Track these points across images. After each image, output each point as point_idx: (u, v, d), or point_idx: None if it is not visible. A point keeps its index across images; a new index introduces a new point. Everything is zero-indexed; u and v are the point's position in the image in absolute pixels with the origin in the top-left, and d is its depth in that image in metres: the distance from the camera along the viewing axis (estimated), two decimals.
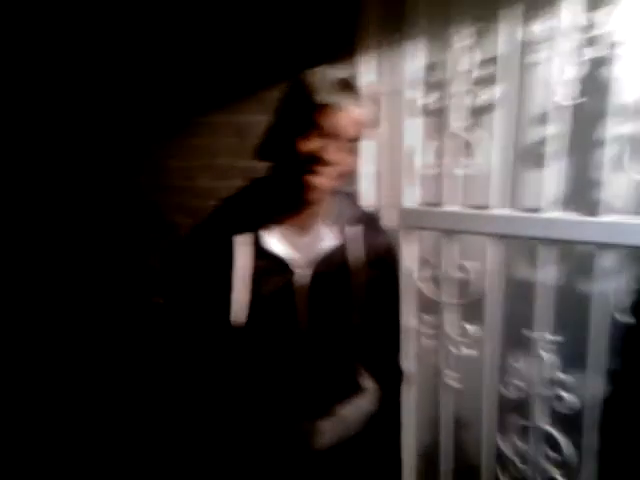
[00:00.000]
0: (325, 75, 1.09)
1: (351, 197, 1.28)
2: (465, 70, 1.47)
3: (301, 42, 1.66)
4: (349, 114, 1.07)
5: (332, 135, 1.06)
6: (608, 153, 1.29)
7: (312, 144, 1.06)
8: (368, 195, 1.65)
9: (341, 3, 1.58)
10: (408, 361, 1.71)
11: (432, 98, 1.55)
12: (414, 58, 1.55)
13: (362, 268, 1.22)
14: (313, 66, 1.14)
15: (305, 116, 1.06)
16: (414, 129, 1.59)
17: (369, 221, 1.30)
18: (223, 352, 1.23)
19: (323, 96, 1.05)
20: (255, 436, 1.24)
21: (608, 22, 1.27)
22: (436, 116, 1.56)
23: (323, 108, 1.05)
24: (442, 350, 1.64)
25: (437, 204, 1.57)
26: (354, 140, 1.10)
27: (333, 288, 1.20)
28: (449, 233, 1.57)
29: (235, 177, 1.80)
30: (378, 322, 1.32)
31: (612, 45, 1.27)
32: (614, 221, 1.32)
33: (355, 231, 1.23)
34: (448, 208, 1.55)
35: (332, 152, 1.07)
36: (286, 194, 1.15)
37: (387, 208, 1.64)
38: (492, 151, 1.45)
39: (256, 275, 1.15)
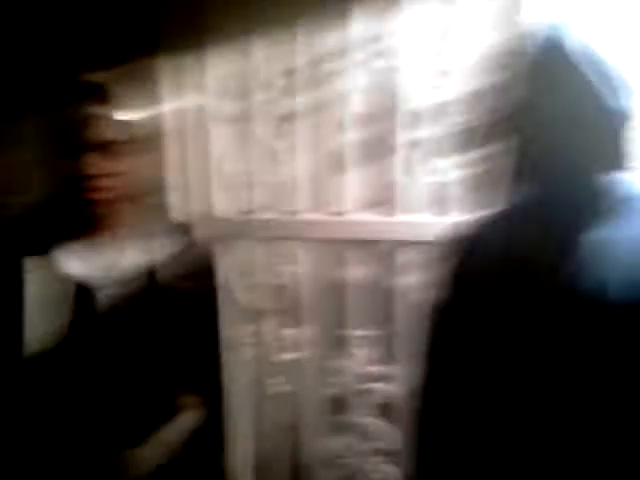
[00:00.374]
0: (74, 86, 1.05)
1: (159, 209, 1.20)
2: (268, 79, 1.46)
3: (100, 58, 1.53)
4: (103, 119, 1.02)
5: (94, 146, 1.01)
6: (401, 157, 1.37)
7: (75, 162, 1.00)
8: (179, 206, 1.58)
9: (140, 12, 1.51)
10: (230, 372, 1.66)
11: (238, 106, 1.52)
12: (217, 67, 1.52)
13: (175, 281, 1.14)
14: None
15: (62, 132, 1.01)
16: (222, 137, 1.55)
17: (180, 233, 1.23)
18: (15, 388, 1.07)
19: (74, 108, 1.01)
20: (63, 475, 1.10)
21: (393, 34, 1.35)
22: (243, 124, 1.54)
23: (77, 119, 1.00)
24: (265, 357, 1.62)
25: (249, 212, 1.55)
26: (117, 145, 1.04)
27: (143, 305, 1.10)
28: (262, 240, 1.55)
29: None
30: (196, 337, 1.25)
31: (397, 55, 1.34)
32: (410, 220, 1.40)
33: (165, 244, 1.15)
34: (260, 216, 1.53)
35: (97, 164, 1.01)
36: (77, 212, 1.06)
37: (200, 218, 1.58)
38: (298, 158, 1.45)
39: (53, 301, 1.03)
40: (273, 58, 1.47)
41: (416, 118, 1.41)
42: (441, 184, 1.37)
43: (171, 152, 1.56)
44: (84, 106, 1.01)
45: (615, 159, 0.73)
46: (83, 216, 1.06)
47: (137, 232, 1.13)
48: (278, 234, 1.53)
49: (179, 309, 1.16)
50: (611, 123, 0.70)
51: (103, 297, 1.07)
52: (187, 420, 1.24)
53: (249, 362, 1.67)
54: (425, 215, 1.44)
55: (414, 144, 1.39)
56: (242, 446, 1.75)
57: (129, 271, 1.10)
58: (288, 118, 1.50)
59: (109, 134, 1.02)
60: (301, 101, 1.44)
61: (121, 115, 1.05)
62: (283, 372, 1.64)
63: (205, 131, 1.54)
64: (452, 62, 1.30)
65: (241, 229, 1.57)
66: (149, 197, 1.14)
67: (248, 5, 1.43)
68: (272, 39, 1.46)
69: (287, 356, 1.62)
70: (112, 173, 1.02)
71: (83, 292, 1.05)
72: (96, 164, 1.00)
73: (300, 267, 1.53)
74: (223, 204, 1.59)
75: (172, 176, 1.57)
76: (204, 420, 1.29)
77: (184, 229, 1.30)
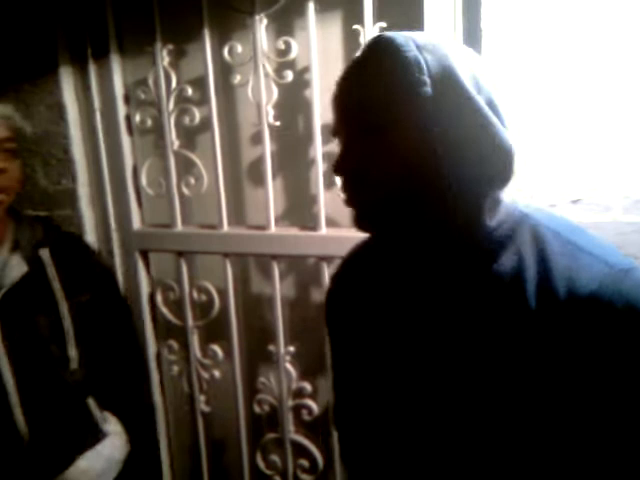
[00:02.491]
0: None
1: (40, 219, 1.14)
2: (176, 89, 1.40)
3: None
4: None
5: None
6: (319, 170, 1.33)
7: None
8: (89, 218, 1.52)
9: (37, 22, 1.42)
10: (154, 390, 1.62)
11: (147, 116, 1.46)
12: (121, 75, 1.46)
13: (68, 294, 1.09)
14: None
15: None
16: (135, 148, 1.49)
17: (68, 243, 1.18)
18: None
19: None
20: None
21: (300, 47, 1.30)
22: (155, 135, 1.48)
23: None
24: (191, 374, 1.57)
25: (167, 225, 1.49)
26: (7, 142, 0.99)
27: (35, 320, 1.04)
28: (183, 254, 1.50)
29: None
30: (107, 352, 1.20)
31: (308, 69, 1.29)
32: (333, 235, 1.37)
33: (53, 255, 1.09)
34: (178, 229, 1.47)
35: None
36: None
37: (115, 231, 1.53)
38: (213, 170, 1.40)
39: None
40: (177, 66, 1.41)
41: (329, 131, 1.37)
42: None
43: (81, 163, 1.49)
44: None
45: (501, 194, 0.71)
46: None
47: (19, 242, 1.06)
48: (198, 248, 1.48)
49: (76, 322, 1.10)
50: (503, 156, 0.67)
51: None
52: (111, 446, 1.18)
53: (177, 378, 1.63)
54: (347, 229, 1.40)
55: (331, 157, 1.35)
56: (176, 463, 1.72)
57: (9, 284, 1.03)
58: (200, 129, 1.44)
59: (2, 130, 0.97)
60: (210, 111, 1.38)
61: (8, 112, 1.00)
62: (212, 388, 1.60)
63: (118, 141, 1.48)
64: None
65: (160, 242, 1.51)
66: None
67: (154, 13, 1.37)
68: (175, 46, 1.40)
69: (214, 372, 1.58)
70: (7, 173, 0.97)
71: None
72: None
73: (224, 281, 1.48)
74: (141, 217, 1.54)
75: (81, 187, 1.50)
76: (131, 443, 1.24)
77: (73, 238, 1.24)
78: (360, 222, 0.72)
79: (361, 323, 0.82)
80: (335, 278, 0.94)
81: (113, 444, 1.18)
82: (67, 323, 1.08)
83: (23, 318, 1.03)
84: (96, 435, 1.16)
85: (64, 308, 1.08)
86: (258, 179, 1.42)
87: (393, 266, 0.78)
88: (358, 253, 0.91)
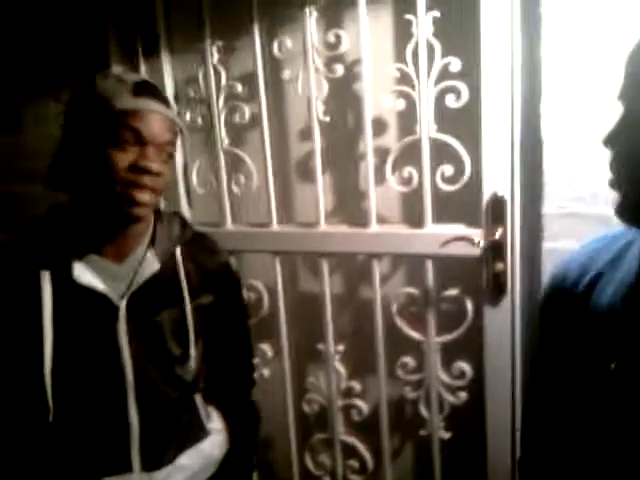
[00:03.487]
0: (119, 78, 0.96)
1: (177, 216, 1.14)
2: (225, 86, 1.40)
3: (52, 58, 1.49)
4: (160, 117, 0.95)
5: (149, 142, 0.94)
6: (370, 166, 1.30)
7: (130, 154, 0.93)
8: None
9: (88, 20, 1.44)
10: None
11: (197, 114, 1.47)
12: (171, 73, 1.48)
13: (195, 293, 1.09)
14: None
15: (110, 126, 0.92)
16: (185, 146, 1.50)
17: (200, 241, 1.17)
18: (31, 406, 1.00)
19: (128, 101, 0.93)
20: None
21: (350, 40, 1.28)
22: (203, 132, 1.48)
23: (132, 114, 0.93)
24: None
25: (217, 224, 1.49)
26: (170, 146, 0.98)
27: (160, 318, 1.04)
28: (232, 253, 1.49)
29: None
30: (223, 352, 1.19)
31: (358, 62, 1.27)
32: (383, 231, 1.34)
33: (184, 253, 1.09)
34: (228, 228, 1.47)
35: (154, 160, 0.94)
36: (99, 218, 0.99)
37: None
38: (262, 168, 1.40)
39: (70, 315, 0.97)
40: (227, 64, 1.41)
41: (382, 125, 1.34)
42: (415, 195, 1.30)
43: None
44: (142, 98, 0.94)
45: None
46: (111, 222, 0.99)
47: (157, 239, 1.06)
48: (248, 247, 1.48)
49: (202, 321, 1.10)
50: None
51: (122, 309, 1.00)
52: (212, 445, 1.16)
53: None
54: (397, 226, 1.37)
55: (382, 151, 1.32)
56: None
57: (143, 281, 1.02)
58: (250, 126, 1.44)
59: (165, 134, 0.96)
60: (261, 108, 1.37)
61: (170, 115, 0.98)
62: (260, 387, 1.59)
63: None
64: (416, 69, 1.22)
65: None
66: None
67: (203, 10, 1.37)
68: (225, 44, 1.40)
69: (264, 370, 1.57)
70: (161, 173, 0.95)
71: (102, 304, 0.99)
72: (153, 160, 0.94)
73: (274, 280, 1.47)
74: (191, 216, 1.54)
75: None
76: (235, 446, 1.21)
77: (203, 237, 1.23)
78: (626, 211, 0.62)
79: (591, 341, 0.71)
80: (561, 283, 0.80)
81: (214, 442, 1.16)
82: (190, 323, 1.07)
83: (149, 316, 1.03)
84: (200, 432, 1.14)
85: (189, 308, 1.07)
86: (307, 175, 1.41)
87: None
88: (592, 252, 0.77)
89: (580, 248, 0.80)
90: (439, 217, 1.29)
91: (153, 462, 1.05)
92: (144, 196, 0.95)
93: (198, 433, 1.13)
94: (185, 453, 1.10)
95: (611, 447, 0.67)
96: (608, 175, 0.62)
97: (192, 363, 1.08)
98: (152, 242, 1.06)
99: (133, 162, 0.93)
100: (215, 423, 1.18)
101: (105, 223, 1.00)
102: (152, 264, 1.04)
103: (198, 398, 1.15)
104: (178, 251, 1.09)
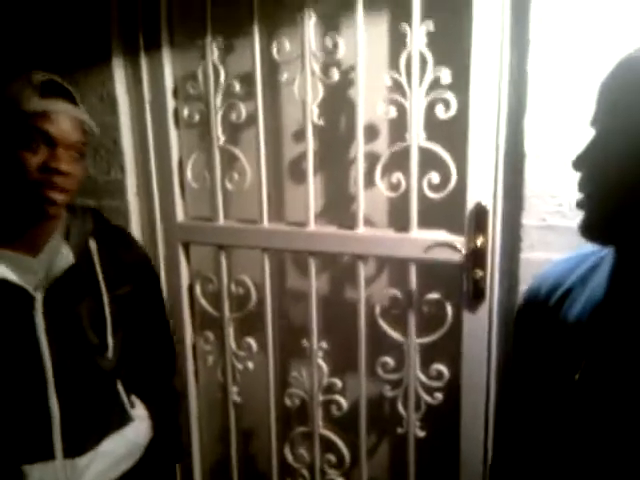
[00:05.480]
0: (28, 79, 0.99)
1: (92, 211, 1.18)
2: (223, 84, 1.44)
3: (53, 53, 1.51)
4: (69, 118, 1.00)
5: (59, 142, 0.98)
6: (360, 170, 1.34)
7: (40, 156, 0.97)
8: (135, 209, 1.57)
9: (91, 13, 1.47)
10: (189, 379, 1.66)
11: (195, 110, 1.50)
12: (171, 68, 1.50)
13: (113, 285, 1.13)
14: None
15: (19, 128, 0.96)
16: (181, 142, 1.54)
17: (117, 236, 1.22)
18: None
19: (35, 102, 0.97)
20: None
21: (346, 46, 1.32)
22: (201, 129, 1.51)
23: (40, 115, 0.97)
24: (225, 365, 1.61)
25: (209, 219, 1.53)
26: (81, 146, 1.03)
27: (78, 309, 1.09)
28: (223, 247, 1.53)
29: None
30: (142, 342, 1.24)
31: (353, 68, 1.30)
32: (370, 234, 1.38)
33: (101, 246, 1.14)
34: (220, 223, 1.51)
35: (64, 161, 0.99)
36: (11, 214, 1.03)
37: (160, 222, 1.58)
38: (256, 166, 1.43)
39: None
40: (226, 62, 1.44)
41: (375, 131, 1.38)
42: (402, 200, 1.34)
43: (130, 155, 1.54)
44: (51, 100, 0.98)
45: None
46: (25, 218, 1.03)
47: (70, 233, 1.11)
48: (238, 242, 1.51)
49: (118, 312, 1.14)
50: None
51: (38, 301, 1.03)
52: (136, 431, 1.20)
53: (211, 369, 1.67)
54: (384, 230, 1.41)
55: (375, 157, 1.36)
56: (206, 450, 1.75)
57: (59, 273, 1.06)
58: (245, 125, 1.47)
59: (75, 134, 1.01)
60: (257, 108, 1.41)
61: (79, 115, 1.03)
62: (244, 380, 1.63)
63: (166, 134, 1.52)
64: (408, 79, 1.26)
65: (201, 235, 1.55)
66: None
67: (206, 7, 1.40)
68: (225, 42, 1.43)
69: (248, 364, 1.61)
70: (72, 172, 1.00)
71: (18, 297, 1.02)
72: (63, 161, 0.98)
73: (262, 276, 1.51)
74: (183, 208, 1.58)
75: (132, 179, 1.56)
76: (158, 431, 1.26)
77: (120, 231, 1.28)
78: (591, 229, 0.65)
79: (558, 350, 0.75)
80: (535, 295, 0.84)
81: (138, 429, 1.20)
82: (108, 313, 1.11)
83: (66, 307, 1.07)
84: (123, 418, 1.18)
85: (106, 299, 1.11)
86: (299, 176, 1.45)
87: (627, 292, 0.68)
88: (565, 267, 0.81)
89: (556, 263, 0.85)
90: (424, 223, 1.33)
91: (75, 448, 1.08)
92: (56, 195, 0.99)
93: (121, 419, 1.17)
94: (109, 439, 1.14)
95: (577, 454, 0.71)
96: (576, 195, 0.67)
97: (110, 353, 1.12)
98: (66, 236, 1.10)
99: (44, 163, 0.97)
100: (139, 410, 1.22)
101: (17, 219, 1.03)
102: (67, 257, 1.08)
103: (120, 385, 1.18)
104: (93, 244, 1.13)
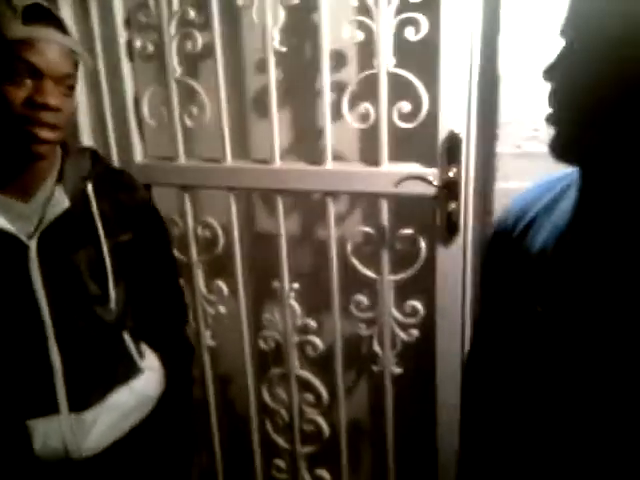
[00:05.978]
0: (9, 3, 0.88)
1: (88, 151, 1.09)
2: (178, 12, 1.33)
3: None
4: (56, 47, 0.89)
5: (46, 74, 0.88)
6: (326, 101, 1.26)
7: (25, 89, 0.88)
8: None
9: None
10: None
11: (148, 41, 1.39)
12: None
13: (112, 231, 1.06)
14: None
15: (2, 58, 0.86)
16: (136, 77, 1.43)
17: (116, 177, 1.13)
18: None
19: (18, 29, 0.86)
20: None
21: None
22: (157, 62, 1.41)
23: (24, 44, 0.86)
24: (196, 309, 1.57)
25: (170, 158, 1.45)
26: (70, 79, 0.93)
27: (75, 258, 1.01)
28: (186, 188, 1.46)
29: None
30: (149, 292, 1.18)
31: None
32: (339, 169, 1.32)
33: (98, 189, 1.05)
34: (181, 162, 1.43)
35: (52, 94, 0.89)
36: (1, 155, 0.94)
37: (117, 163, 1.50)
38: (216, 100, 1.34)
39: None
40: None
41: (342, 58, 1.30)
42: (372, 132, 1.27)
43: (81, 91, 1.44)
44: (36, 26, 0.87)
45: None
46: (13, 159, 0.94)
47: (65, 176, 1.02)
48: (202, 182, 1.44)
49: (121, 258, 1.07)
50: None
51: (32, 249, 0.96)
52: (146, 383, 1.14)
53: None
54: (353, 164, 1.35)
55: (341, 88, 1.28)
56: None
57: (53, 218, 0.98)
58: (203, 56, 1.37)
59: (64, 65, 0.90)
60: (215, 36, 1.30)
61: (69, 43, 0.92)
62: (217, 324, 1.60)
63: (118, 68, 1.41)
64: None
65: (162, 175, 1.47)
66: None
67: None
68: None
69: (220, 308, 1.57)
70: (60, 107, 0.90)
71: (10, 244, 0.95)
72: (50, 94, 0.88)
73: (229, 218, 1.45)
74: (143, 149, 1.50)
75: (85, 118, 1.46)
76: (171, 383, 1.21)
77: (119, 173, 1.19)
78: (560, 147, 0.61)
79: (531, 280, 0.70)
80: (502, 226, 0.80)
81: (148, 380, 1.15)
82: (108, 262, 1.04)
83: (63, 255, 1.00)
84: (131, 370, 1.12)
85: (105, 247, 1.04)
86: (263, 110, 1.36)
87: (592, 219, 0.64)
88: (531, 196, 0.77)
89: (524, 192, 0.80)
90: (396, 157, 1.27)
91: (80, 402, 1.04)
92: (44, 133, 0.90)
93: (129, 371, 1.11)
94: (116, 391, 1.08)
95: (544, 385, 0.69)
96: (549, 109, 0.62)
97: (113, 304, 1.06)
98: (60, 178, 1.01)
99: (29, 97, 0.88)
100: (150, 361, 1.17)
101: (6, 160, 0.95)
102: (61, 201, 0.99)
103: (126, 336, 1.12)
104: (90, 187, 1.04)
